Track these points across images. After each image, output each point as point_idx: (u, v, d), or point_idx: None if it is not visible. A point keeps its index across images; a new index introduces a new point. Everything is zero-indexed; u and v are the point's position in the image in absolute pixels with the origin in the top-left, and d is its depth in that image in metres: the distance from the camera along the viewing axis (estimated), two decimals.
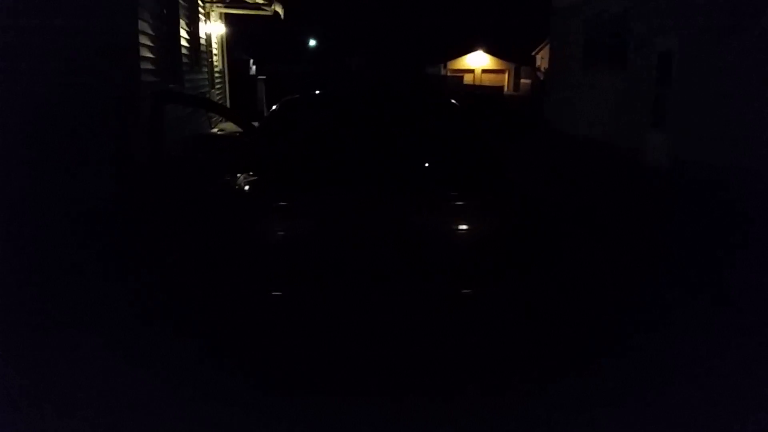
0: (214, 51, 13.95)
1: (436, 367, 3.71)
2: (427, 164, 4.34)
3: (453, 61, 55.42)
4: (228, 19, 15.32)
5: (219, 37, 14.55)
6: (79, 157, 5.25)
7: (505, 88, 47.15)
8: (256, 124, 5.16)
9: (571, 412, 3.41)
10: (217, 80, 14.36)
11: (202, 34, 12.14)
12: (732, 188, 8.74)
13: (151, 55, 7.33)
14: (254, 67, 20.73)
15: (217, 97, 14.12)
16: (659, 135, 12.00)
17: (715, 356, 4.09)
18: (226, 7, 14.04)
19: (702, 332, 4.45)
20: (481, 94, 27.59)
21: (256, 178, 4.08)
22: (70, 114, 5.16)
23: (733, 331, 4.48)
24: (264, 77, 17.35)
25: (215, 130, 12.72)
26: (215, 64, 14.05)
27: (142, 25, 6.97)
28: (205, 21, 12.73)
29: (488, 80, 50.13)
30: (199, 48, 11.75)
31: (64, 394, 3.47)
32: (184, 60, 10.11)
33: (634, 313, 4.80)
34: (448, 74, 50.04)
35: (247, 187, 4.03)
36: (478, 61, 55.20)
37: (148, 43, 7.24)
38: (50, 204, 4.73)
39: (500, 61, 55.21)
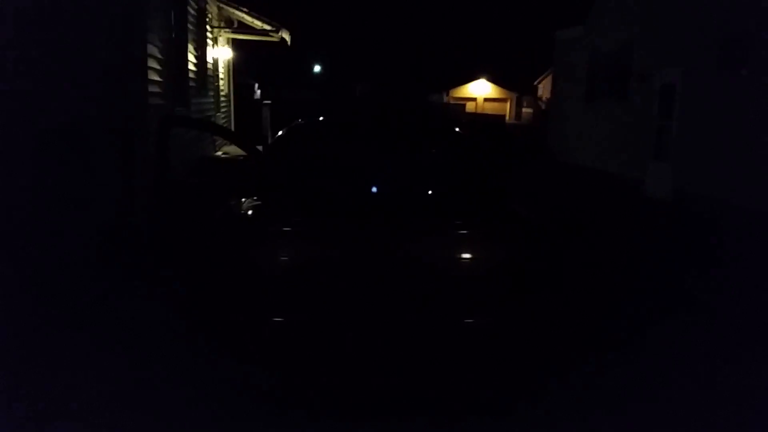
0: (221, 75, 14.09)
1: (435, 388, 3.69)
2: (430, 192, 4.36)
3: (456, 89, 55.88)
4: (235, 43, 15.50)
5: (226, 62, 14.70)
6: (86, 178, 5.28)
7: (507, 117, 47.46)
8: (260, 148, 5.20)
9: (571, 417, 3.45)
10: (223, 104, 14.48)
11: (209, 59, 12.27)
12: (727, 224, 8.81)
13: (158, 79, 7.41)
14: (259, 92, 20.92)
15: (222, 121, 14.21)
16: (660, 166, 12.06)
17: (714, 360, 4.22)
18: (233, 32, 14.21)
19: (701, 340, 4.63)
20: (483, 122, 27.76)
21: (260, 202, 4.10)
22: (77, 136, 5.20)
23: (730, 337, 4.68)
24: (269, 102, 17.49)
25: (219, 153, 12.79)
26: (221, 88, 14.18)
27: (151, 49, 7.05)
28: (213, 45, 12.88)
29: (490, 109, 50.45)
30: (206, 72, 11.87)
31: (64, 394, 3.48)
32: (191, 84, 10.21)
33: (630, 330, 4.93)
34: (451, 102, 50.43)
35: (250, 212, 4.05)
36: (480, 90, 55.66)
37: (156, 66, 7.32)
38: (57, 224, 4.75)
39: (502, 90, 55.67)
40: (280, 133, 4.79)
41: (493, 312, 3.64)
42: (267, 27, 13.43)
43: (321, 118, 5.11)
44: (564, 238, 6.87)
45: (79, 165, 5.17)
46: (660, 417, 3.59)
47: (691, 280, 6.46)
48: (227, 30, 13.92)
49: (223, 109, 14.45)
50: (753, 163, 9.39)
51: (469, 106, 48.51)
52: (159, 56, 7.46)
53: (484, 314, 3.62)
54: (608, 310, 5.39)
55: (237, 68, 17.05)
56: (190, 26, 10.12)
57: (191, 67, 10.22)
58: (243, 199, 4.12)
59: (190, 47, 10.15)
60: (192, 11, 10.30)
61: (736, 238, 8.15)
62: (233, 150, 12.76)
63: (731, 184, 9.77)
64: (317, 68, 57.89)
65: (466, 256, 3.75)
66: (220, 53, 13.73)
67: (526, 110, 48.98)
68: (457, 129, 4.99)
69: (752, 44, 9.72)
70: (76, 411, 3.35)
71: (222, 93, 14.33)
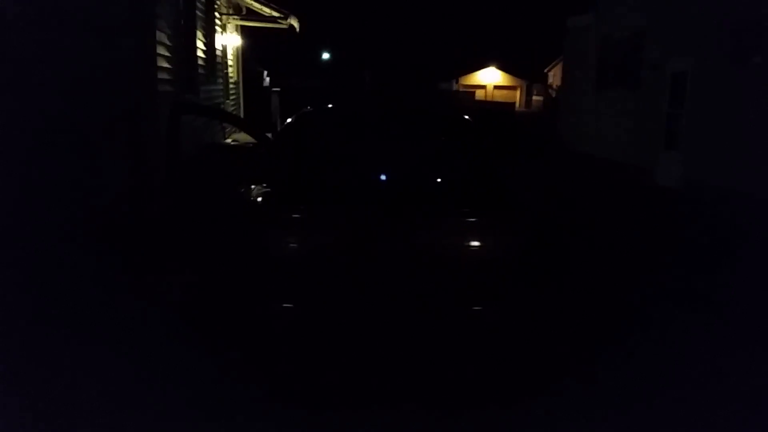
0: (230, 62, 14.07)
1: (441, 375, 3.71)
2: (439, 180, 4.35)
3: (465, 77, 55.56)
4: (244, 31, 15.47)
5: (234, 49, 14.68)
6: (96, 165, 5.31)
7: (517, 105, 47.18)
8: (269, 135, 5.20)
9: (571, 417, 3.44)
10: (232, 91, 14.47)
11: (218, 46, 12.25)
12: (736, 213, 8.74)
13: (167, 66, 7.41)
14: (268, 79, 20.85)
15: (231, 108, 14.21)
16: (671, 155, 11.98)
17: (713, 360, 4.19)
18: (242, 19, 14.18)
19: (701, 338, 4.58)
20: (493, 110, 27.58)
21: (269, 190, 4.11)
22: (87, 123, 5.22)
23: (731, 336, 4.62)
24: (278, 89, 17.47)
25: (229, 140, 12.81)
26: (230, 75, 14.16)
27: (160, 36, 7.05)
28: (222, 32, 12.86)
29: (500, 96, 50.16)
30: (214, 59, 11.86)
31: (63, 396, 3.49)
32: (200, 71, 10.20)
33: (633, 321, 4.90)
34: (460, 89, 50.16)
35: (259, 199, 4.06)
36: (490, 77, 55.33)
37: (165, 53, 7.32)
38: (67, 212, 4.77)
39: (512, 77, 55.32)
40: (289, 120, 4.80)
41: (500, 300, 3.65)
42: (275, 14, 13.39)
43: (330, 106, 5.10)
44: (570, 227, 6.84)
45: (88, 153, 5.19)
46: (662, 416, 3.58)
47: (699, 272, 6.43)
48: (236, 17, 13.89)
49: (232, 97, 14.45)
50: (764, 152, 9.30)
51: (479, 94, 48.25)
52: (168, 43, 7.46)
53: (491, 302, 3.63)
54: (613, 302, 5.37)
55: (246, 55, 17.02)
56: (198, 13, 10.11)
57: (200, 54, 10.22)
58: (252, 186, 4.13)
59: (199, 34, 10.14)
60: None
61: (745, 228, 8.09)
62: (242, 137, 12.78)
63: (742, 173, 9.69)
64: (326, 56, 57.70)
65: (474, 244, 3.75)
66: (229, 40, 13.71)
67: (536, 98, 48.70)
68: (466, 117, 4.97)
69: (765, 32, 9.60)
70: (76, 411, 3.36)
71: (231, 80, 14.32)
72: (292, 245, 3.68)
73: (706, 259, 6.86)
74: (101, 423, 3.28)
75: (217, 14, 12.25)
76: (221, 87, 12.86)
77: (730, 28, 10.41)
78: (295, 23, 13.95)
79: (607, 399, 3.67)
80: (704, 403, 3.67)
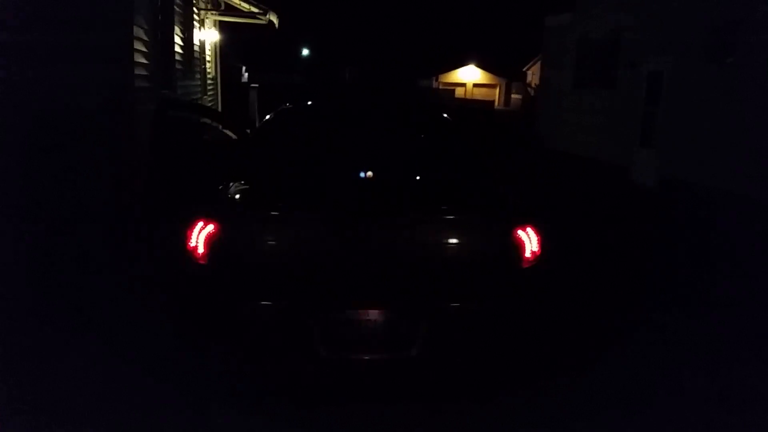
0: (208, 58, 13.96)
1: (424, 375, 3.72)
2: (418, 177, 4.36)
3: (445, 75, 55.72)
4: (222, 26, 15.35)
5: (213, 44, 14.56)
6: (72, 160, 5.24)
7: (496, 103, 47.46)
8: (248, 131, 5.17)
9: (560, 423, 3.46)
10: (210, 87, 14.35)
11: (196, 41, 12.14)
12: (709, 210, 8.88)
13: (144, 61, 7.32)
14: (246, 75, 20.72)
15: (209, 104, 14.10)
16: (647, 153, 12.14)
17: (708, 362, 4.22)
18: (221, 14, 14.07)
19: (687, 340, 4.58)
20: (472, 108, 27.74)
21: (246, 187, 4.09)
22: (63, 118, 5.15)
23: (720, 337, 4.64)
24: (256, 85, 17.36)
25: (207, 136, 12.70)
26: (208, 70, 14.05)
27: (137, 31, 6.97)
28: (200, 28, 12.74)
29: (479, 94, 50.43)
30: (192, 54, 11.75)
31: (61, 397, 3.47)
32: (178, 66, 10.10)
33: (620, 323, 4.92)
34: (440, 87, 50.29)
35: (237, 197, 4.04)
36: (469, 75, 55.57)
37: (142, 48, 7.24)
38: (45, 207, 4.71)
39: (491, 75, 55.60)
40: (267, 117, 4.77)
41: (480, 298, 3.67)
42: (254, 9, 13.31)
43: (309, 103, 5.08)
44: (550, 225, 6.88)
45: (64, 149, 5.13)
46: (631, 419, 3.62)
47: (675, 268, 6.53)
48: (214, 12, 13.78)
49: (210, 92, 14.33)
50: (737, 150, 9.48)
51: (459, 92, 48.43)
52: (145, 38, 7.38)
53: (471, 299, 3.65)
54: (589, 300, 5.42)
55: (224, 51, 16.89)
56: (176, 8, 10.01)
57: (178, 49, 10.12)
58: (230, 184, 4.10)
59: (177, 29, 10.04)
60: None
61: (719, 224, 8.23)
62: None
63: (715, 170, 9.87)
64: (305, 52, 57.51)
65: (454, 241, 3.76)
66: (207, 36, 13.59)
67: (515, 96, 49.02)
68: (445, 115, 4.98)
69: (738, 33, 9.78)
70: (75, 411, 3.34)
71: (209, 76, 14.20)
72: (269, 243, 3.66)
73: (680, 255, 6.96)
74: (101, 423, 3.26)
75: (195, 9, 12.14)
76: (199, 83, 12.75)
77: (705, 29, 10.58)
78: (275, 19, 13.88)
79: (593, 399, 3.71)
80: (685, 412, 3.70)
